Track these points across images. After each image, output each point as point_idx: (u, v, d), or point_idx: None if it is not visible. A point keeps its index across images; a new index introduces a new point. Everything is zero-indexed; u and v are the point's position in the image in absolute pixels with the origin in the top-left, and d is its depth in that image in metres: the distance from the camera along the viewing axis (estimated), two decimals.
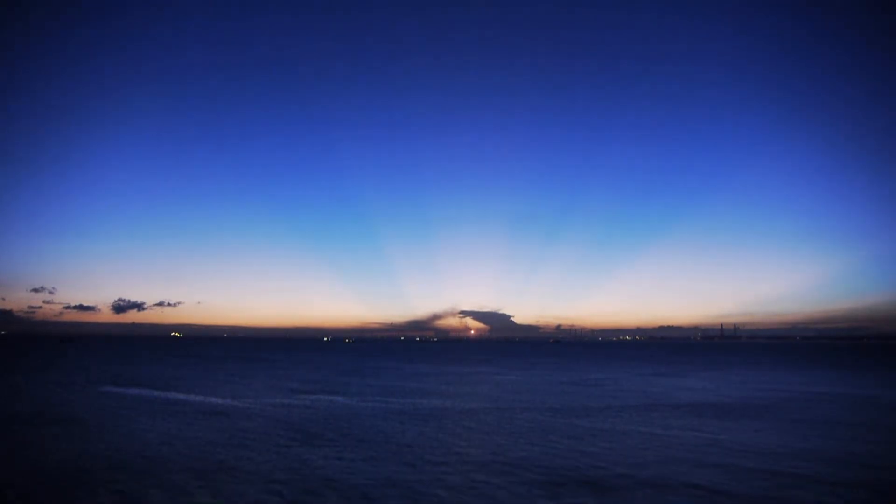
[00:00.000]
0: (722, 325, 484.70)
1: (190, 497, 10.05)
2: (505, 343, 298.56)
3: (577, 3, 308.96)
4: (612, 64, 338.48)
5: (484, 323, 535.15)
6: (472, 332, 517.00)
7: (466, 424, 18.64)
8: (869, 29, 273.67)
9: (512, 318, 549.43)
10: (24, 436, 15.87)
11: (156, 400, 24.87)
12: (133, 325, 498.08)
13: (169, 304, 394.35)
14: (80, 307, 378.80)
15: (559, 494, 10.43)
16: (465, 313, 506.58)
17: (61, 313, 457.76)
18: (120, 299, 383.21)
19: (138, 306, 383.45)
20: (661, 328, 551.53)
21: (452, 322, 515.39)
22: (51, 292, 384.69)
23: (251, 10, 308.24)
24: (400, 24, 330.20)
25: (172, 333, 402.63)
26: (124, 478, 11.27)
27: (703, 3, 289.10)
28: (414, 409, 22.60)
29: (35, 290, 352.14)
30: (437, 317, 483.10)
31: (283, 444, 14.92)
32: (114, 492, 10.32)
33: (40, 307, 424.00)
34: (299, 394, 28.20)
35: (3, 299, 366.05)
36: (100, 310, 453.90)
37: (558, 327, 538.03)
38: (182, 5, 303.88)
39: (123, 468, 12.06)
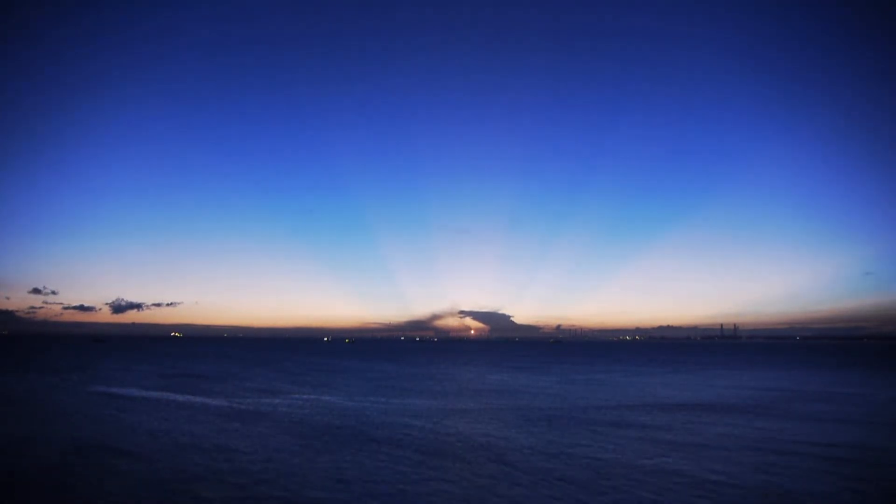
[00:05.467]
0: (722, 325, 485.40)
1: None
2: (505, 343, 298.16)
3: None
4: (612, 64, 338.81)
5: (484, 323, 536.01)
6: (472, 332, 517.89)
7: (472, 425, 18.53)
8: (870, 29, 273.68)
9: (512, 318, 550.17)
10: None
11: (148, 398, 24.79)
12: (132, 325, 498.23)
13: (167, 305, 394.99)
14: (81, 307, 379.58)
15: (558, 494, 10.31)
16: (464, 313, 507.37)
17: (61, 313, 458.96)
18: (119, 299, 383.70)
19: (137, 306, 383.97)
20: (661, 328, 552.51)
21: (452, 322, 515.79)
22: (53, 293, 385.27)
23: (246, 9, 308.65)
24: (398, 23, 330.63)
25: (172, 333, 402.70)
26: None
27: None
28: (407, 408, 22.49)
29: (35, 291, 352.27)
30: (436, 317, 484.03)
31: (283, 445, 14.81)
32: None
33: (41, 307, 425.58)
34: (294, 394, 28.09)
35: (8, 298, 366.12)
36: (99, 310, 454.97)
37: (558, 327, 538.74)
38: (178, 5, 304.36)
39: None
